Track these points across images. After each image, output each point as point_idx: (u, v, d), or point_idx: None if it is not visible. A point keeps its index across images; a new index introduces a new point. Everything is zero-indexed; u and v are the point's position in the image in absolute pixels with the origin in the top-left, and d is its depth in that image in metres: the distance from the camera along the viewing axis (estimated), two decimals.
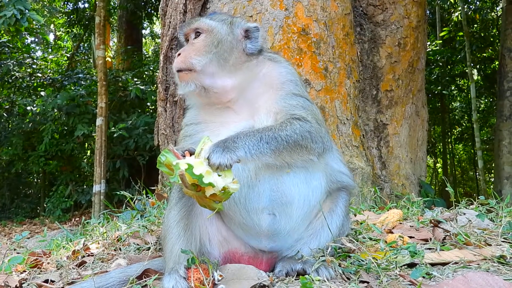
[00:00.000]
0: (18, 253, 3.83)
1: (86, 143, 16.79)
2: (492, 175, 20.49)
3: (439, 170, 24.25)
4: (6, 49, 17.34)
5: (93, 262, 3.17)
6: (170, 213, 2.43)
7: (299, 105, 2.46)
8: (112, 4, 19.66)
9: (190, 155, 2.15)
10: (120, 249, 3.41)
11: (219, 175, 2.06)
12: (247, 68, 2.55)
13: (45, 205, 16.47)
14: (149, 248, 3.26)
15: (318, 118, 2.50)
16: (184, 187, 2.05)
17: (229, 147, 2.13)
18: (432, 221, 3.28)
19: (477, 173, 21.18)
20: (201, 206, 2.19)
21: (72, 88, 16.11)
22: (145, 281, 2.41)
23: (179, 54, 2.50)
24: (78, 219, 13.93)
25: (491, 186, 16.77)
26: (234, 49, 2.54)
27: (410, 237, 3.03)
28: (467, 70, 15.30)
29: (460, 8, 15.64)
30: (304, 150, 2.33)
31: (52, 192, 16.37)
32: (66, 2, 19.69)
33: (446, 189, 3.75)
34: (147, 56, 23.78)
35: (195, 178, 2.01)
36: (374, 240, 3.04)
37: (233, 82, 2.50)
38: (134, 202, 4.68)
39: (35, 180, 20.16)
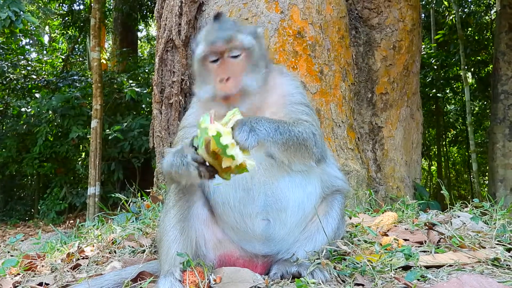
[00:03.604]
0: (12, 255, 3.80)
1: (81, 145, 16.72)
2: (486, 177, 20.58)
3: (434, 172, 24.34)
4: (1, 50, 17.26)
5: (87, 265, 3.15)
6: (166, 216, 2.43)
7: (304, 112, 2.50)
8: (107, 6, 19.62)
9: None
10: (115, 251, 3.40)
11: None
12: (262, 78, 2.55)
13: (39, 208, 16.37)
14: (144, 251, 3.25)
15: (320, 129, 2.55)
16: (205, 152, 2.03)
17: (255, 129, 2.15)
18: (427, 223, 3.29)
19: (471, 176, 21.26)
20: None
21: (67, 90, 16.02)
22: (140, 283, 2.40)
23: (227, 79, 2.37)
24: (72, 221, 13.85)
25: (485, 189, 16.84)
26: (263, 61, 2.56)
27: (405, 239, 3.05)
28: (461, 73, 15.38)
29: (454, 11, 15.72)
30: (306, 152, 2.36)
31: (46, 194, 16.27)
32: (61, 4, 19.61)
33: (441, 192, 3.77)
34: (142, 58, 23.73)
35: (220, 147, 1.98)
36: (369, 242, 3.05)
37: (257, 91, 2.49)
38: (129, 205, 4.67)
39: (29, 182, 20.02)
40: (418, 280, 2.19)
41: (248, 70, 2.45)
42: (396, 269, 2.36)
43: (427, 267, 2.40)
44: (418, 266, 2.37)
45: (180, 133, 2.63)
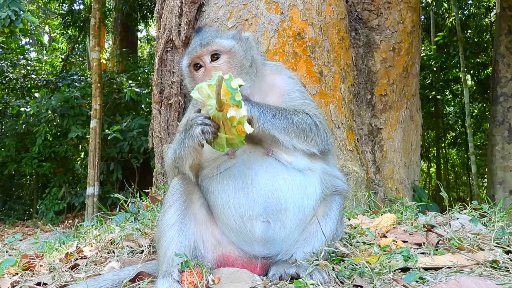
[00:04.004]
0: (10, 255, 3.80)
1: (80, 145, 16.70)
2: (485, 180, 20.59)
3: (433, 174, 24.36)
4: (0, 50, 17.25)
5: (86, 265, 3.15)
6: (164, 216, 2.43)
7: (305, 104, 2.56)
8: (107, 6, 19.62)
9: None
10: (113, 252, 3.40)
11: None
12: (256, 77, 2.62)
13: (38, 207, 16.35)
14: (142, 251, 3.25)
15: (325, 121, 2.59)
16: (216, 99, 2.09)
17: (251, 102, 2.28)
18: (426, 225, 3.29)
19: (470, 178, 21.29)
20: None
21: (67, 89, 16.02)
22: (139, 284, 2.40)
23: None
24: (71, 221, 13.86)
25: (484, 191, 16.85)
26: (249, 62, 2.61)
27: (404, 241, 3.04)
28: (461, 75, 15.39)
29: (454, 13, 15.74)
30: (309, 141, 2.43)
31: (45, 194, 16.26)
32: (61, 4, 19.61)
33: (440, 193, 3.77)
34: (142, 58, 23.73)
35: (229, 91, 2.07)
36: (367, 244, 3.04)
37: (251, 91, 2.53)
38: (127, 205, 4.66)
39: (28, 182, 20.02)
40: (417, 282, 2.18)
41: (234, 73, 2.47)
42: (394, 270, 2.36)
43: (426, 269, 2.40)
44: (416, 268, 2.37)
45: (178, 135, 2.64)
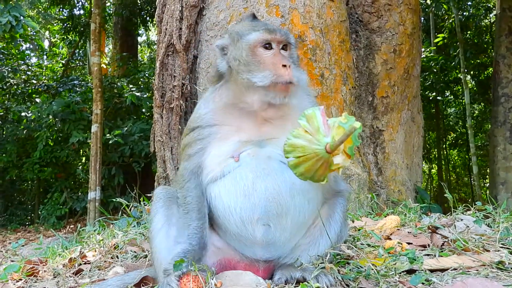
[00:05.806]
0: (12, 261, 3.79)
1: (81, 150, 16.73)
2: (486, 180, 20.59)
3: (434, 176, 24.34)
4: (1, 55, 17.27)
5: (90, 270, 3.14)
6: (151, 224, 2.48)
7: None
8: (107, 11, 19.67)
9: None
10: (117, 256, 3.39)
11: None
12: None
13: (39, 213, 16.36)
14: (146, 256, 3.24)
15: None
16: (336, 143, 1.91)
17: None
18: (430, 227, 3.28)
19: (471, 179, 21.27)
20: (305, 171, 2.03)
21: (67, 94, 16.04)
22: None
23: (284, 65, 2.39)
24: (73, 226, 13.84)
25: (486, 192, 16.83)
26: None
27: (409, 243, 3.04)
28: (461, 76, 15.41)
29: (454, 15, 15.76)
30: None
31: (46, 199, 16.26)
32: (61, 9, 19.67)
33: (445, 195, 3.76)
34: (142, 62, 23.77)
35: (353, 140, 1.92)
36: (372, 246, 3.04)
37: None
38: (130, 209, 4.65)
39: (30, 187, 20.01)
40: (423, 284, 2.18)
41: (300, 66, 2.57)
42: (400, 273, 2.35)
43: (432, 271, 2.39)
44: (422, 270, 2.36)
45: (193, 135, 2.55)
